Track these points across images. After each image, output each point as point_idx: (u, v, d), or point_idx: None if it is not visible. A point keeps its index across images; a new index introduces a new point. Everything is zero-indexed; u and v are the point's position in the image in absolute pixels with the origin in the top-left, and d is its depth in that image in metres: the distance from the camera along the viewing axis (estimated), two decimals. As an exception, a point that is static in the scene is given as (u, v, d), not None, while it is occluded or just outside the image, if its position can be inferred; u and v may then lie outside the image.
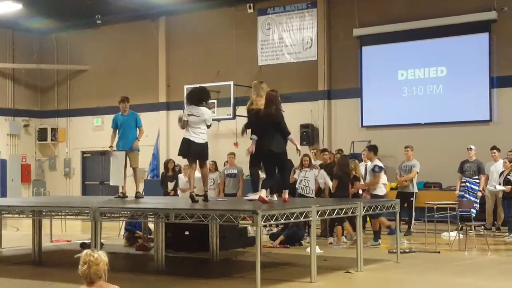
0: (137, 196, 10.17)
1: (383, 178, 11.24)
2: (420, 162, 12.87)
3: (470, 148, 12.82)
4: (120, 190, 10.33)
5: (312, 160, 12.86)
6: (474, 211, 11.41)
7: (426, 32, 15.78)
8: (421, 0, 16.09)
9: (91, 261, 3.79)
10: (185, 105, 9.06)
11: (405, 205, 12.04)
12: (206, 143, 8.82)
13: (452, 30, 15.47)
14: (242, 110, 17.25)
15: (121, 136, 10.13)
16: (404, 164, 12.61)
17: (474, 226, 10.80)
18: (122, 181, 10.18)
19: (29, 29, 21.11)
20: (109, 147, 10.21)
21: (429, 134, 15.70)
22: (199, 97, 8.89)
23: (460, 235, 10.89)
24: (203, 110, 8.78)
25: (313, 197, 11.46)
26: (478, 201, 11.95)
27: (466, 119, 15.37)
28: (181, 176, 14.51)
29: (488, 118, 15.15)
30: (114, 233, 12.48)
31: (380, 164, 11.21)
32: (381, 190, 11.06)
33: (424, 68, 16.01)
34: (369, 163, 11.69)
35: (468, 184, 12.00)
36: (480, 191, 12.22)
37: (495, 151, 12.76)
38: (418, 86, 16.07)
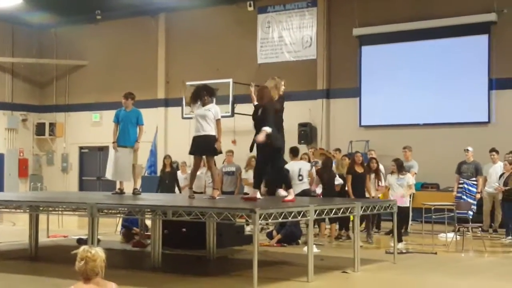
0: (135, 192, 10.14)
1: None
2: (418, 162, 12.89)
3: (467, 150, 12.83)
4: (118, 186, 10.30)
5: (310, 159, 12.96)
6: (471, 212, 11.41)
7: (425, 33, 15.77)
8: (421, 0, 16.09)
9: (88, 257, 3.76)
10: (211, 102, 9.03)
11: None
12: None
13: (451, 31, 15.47)
14: (240, 108, 17.29)
15: (121, 132, 10.02)
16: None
17: (471, 228, 10.79)
18: (130, 177, 10.12)
19: (29, 23, 21.07)
20: (113, 143, 10.08)
21: (427, 135, 15.70)
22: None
23: (457, 236, 10.89)
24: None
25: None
26: (475, 202, 11.94)
27: (465, 121, 15.38)
28: (178, 173, 14.50)
29: (487, 120, 15.16)
30: (111, 229, 12.47)
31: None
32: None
33: (423, 69, 16.00)
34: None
35: (466, 185, 12.00)
36: (478, 192, 12.22)
37: (494, 153, 12.75)
38: (417, 86, 16.06)
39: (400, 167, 11.22)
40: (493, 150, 12.82)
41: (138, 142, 10.06)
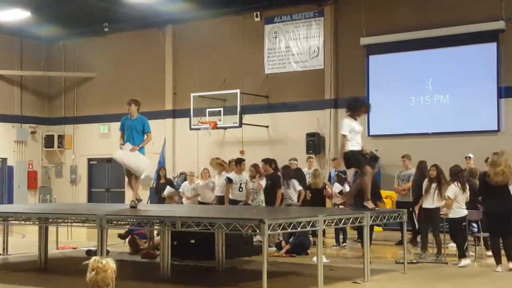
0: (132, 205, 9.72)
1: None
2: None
3: (469, 157, 12.65)
4: (132, 198, 9.92)
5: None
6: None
7: (433, 42, 15.75)
8: (428, 9, 16.08)
9: (99, 267, 3.76)
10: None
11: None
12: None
13: (459, 39, 15.44)
14: (248, 119, 17.31)
15: (127, 140, 9.65)
16: (403, 173, 12.57)
17: (483, 237, 10.69)
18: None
19: (37, 36, 21.22)
20: (120, 145, 9.69)
21: (436, 144, 15.62)
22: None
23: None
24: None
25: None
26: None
27: (474, 129, 15.31)
28: (186, 184, 14.50)
29: (496, 128, 15.09)
30: (119, 240, 12.44)
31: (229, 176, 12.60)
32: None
33: (431, 78, 15.96)
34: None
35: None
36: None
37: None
38: (425, 95, 16.03)
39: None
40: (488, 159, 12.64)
41: (139, 146, 9.54)
